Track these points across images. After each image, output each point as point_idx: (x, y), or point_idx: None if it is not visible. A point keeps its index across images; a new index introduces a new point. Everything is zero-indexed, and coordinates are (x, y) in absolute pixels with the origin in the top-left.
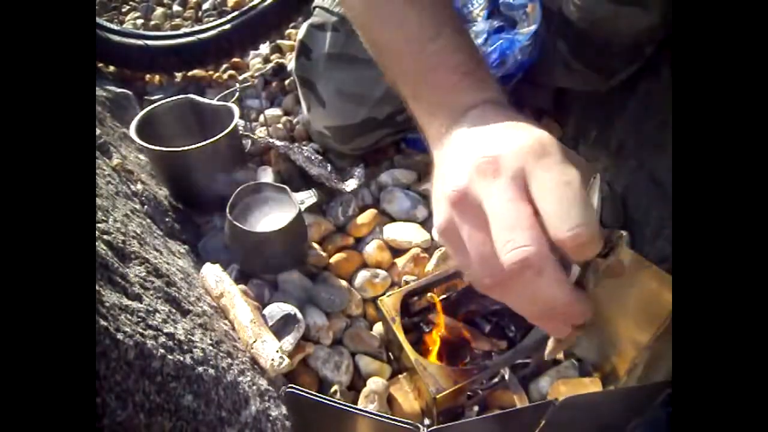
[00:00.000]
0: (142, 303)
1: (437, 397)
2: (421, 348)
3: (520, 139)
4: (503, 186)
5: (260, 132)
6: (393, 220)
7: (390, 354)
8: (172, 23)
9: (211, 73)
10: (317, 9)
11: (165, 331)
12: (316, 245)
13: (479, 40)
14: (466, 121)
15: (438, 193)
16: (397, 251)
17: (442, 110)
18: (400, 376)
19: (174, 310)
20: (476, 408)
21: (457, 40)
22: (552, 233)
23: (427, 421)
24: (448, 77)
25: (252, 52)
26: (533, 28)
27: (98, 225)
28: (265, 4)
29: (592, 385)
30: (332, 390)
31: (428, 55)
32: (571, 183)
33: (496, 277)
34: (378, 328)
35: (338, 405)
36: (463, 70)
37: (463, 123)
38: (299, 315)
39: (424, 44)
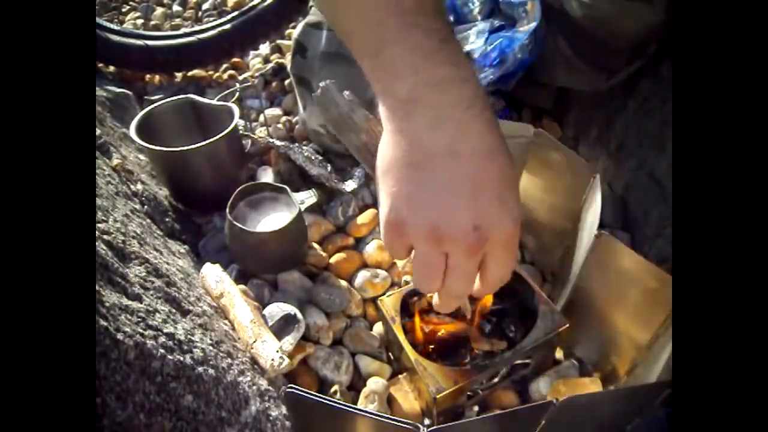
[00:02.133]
0: (142, 303)
1: (437, 397)
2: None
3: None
4: (465, 249)
5: (260, 132)
6: None
7: (390, 354)
8: (172, 23)
9: (211, 73)
10: (313, 8)
11: (165, 331)
12: (316, 245)
13: (479, 40)
14: (445, 113)
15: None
16: None
17: (411, 76)
18: (400, 376)
19: (174, 310)
20: (476, 408)
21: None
22: (481, 291)
23: (427, 421)
24: (425, 40)
25: (252, 52)
26: (533, 25)
27: (98, 225)
28: (265, 4)
29: (592, 385)
30: (332, 390)
31: (405, 11)
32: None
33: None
34: (378, 328)
35: (338, 405)
36: (440, 37)
37: (438, 114)
38: (299, 315)
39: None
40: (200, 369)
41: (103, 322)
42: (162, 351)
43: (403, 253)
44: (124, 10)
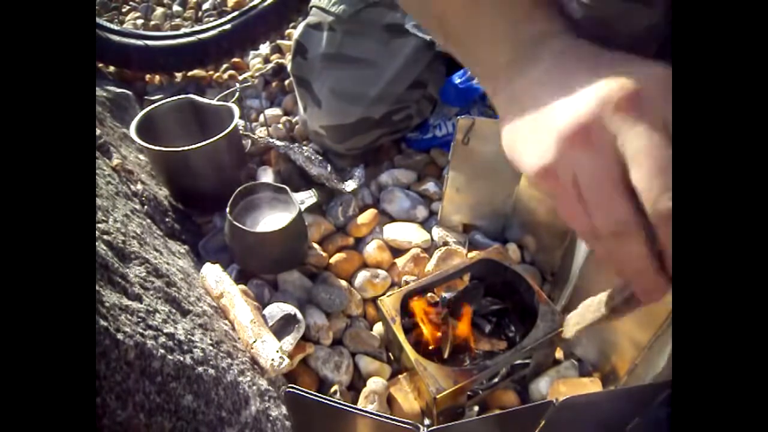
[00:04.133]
0: (142, 303)
1: (437, 397)
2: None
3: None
4: (647, 129)
5: (260, 132)
6: (393, 220)
7: (390, 354)
8: (172, 23)
9: (211, 73)
10: (314, 9)
11: (165, 331)
12: (316, 245)
13: None
14: (556, 50)
15: (544, 127)
16: (397, 251)
17: (508, 39)
18: (400, 376)
19: (174, 310)
20: (476, 408)
21: None
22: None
23: (427, 421)
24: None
25: (252, 52)
26: None
27: (98, 225)
28: (265, 4)
29: (592, 385)
30: (332, 390)
31: None
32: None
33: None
34: (378, 328)
35: (338, 405)
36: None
37: (551, 52)
38: (299, 315)
39: None
40: (200, 369)
41: (103, 322)
42: (162, 351)
43: (573, 204)
44: (124, 10)
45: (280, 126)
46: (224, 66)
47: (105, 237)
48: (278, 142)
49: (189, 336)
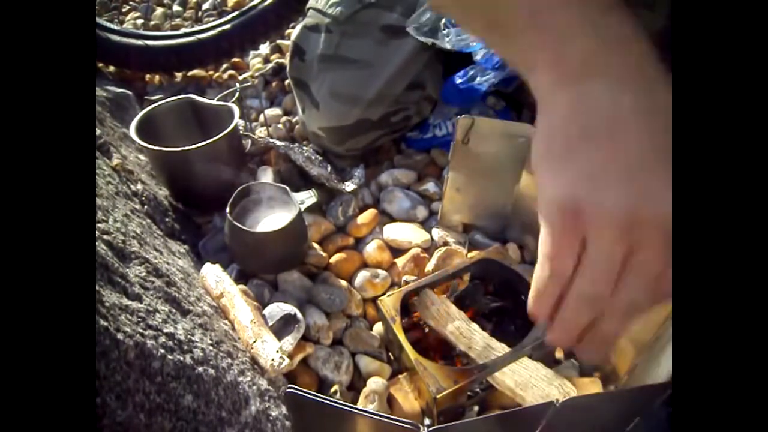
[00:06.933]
0: (142, 303)
1: (437, 397)
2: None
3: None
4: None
5: (260, 132)
6: (393, 220)
7: (390, 354)
8: (172, 23)
9: (211, 73)
10: (311, 10)
11: (165, 331)
12: (316, 245)
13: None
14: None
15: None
16: (397, 251)
17: (586, 37)
18: (400, 376)
19: (174, 310)
20: (476, 408)
21: None
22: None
23: (427, 421)
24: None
25: (252, 52)
26: None
27: (98, 225)
28: (265, 4)
29: (592, 385)
30: (332, 390)
31: None
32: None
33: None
34: (378, 328)
35: (338, 405)
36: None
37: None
38: (299, 315)
39: None
40: (200, 369)
41: (103, 322)
42: (162, 351)
43: (568, 253)
44: (124, 10)
45: (280, 126)
46: (224, 66)
47: (105, 237)
48: (278, 142)
49: (189, 336)
